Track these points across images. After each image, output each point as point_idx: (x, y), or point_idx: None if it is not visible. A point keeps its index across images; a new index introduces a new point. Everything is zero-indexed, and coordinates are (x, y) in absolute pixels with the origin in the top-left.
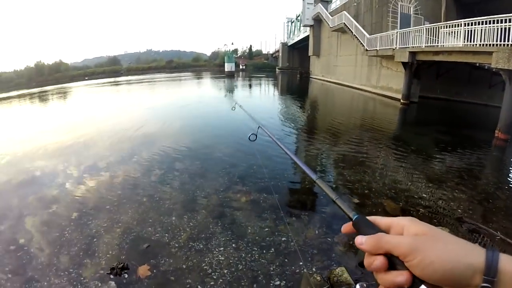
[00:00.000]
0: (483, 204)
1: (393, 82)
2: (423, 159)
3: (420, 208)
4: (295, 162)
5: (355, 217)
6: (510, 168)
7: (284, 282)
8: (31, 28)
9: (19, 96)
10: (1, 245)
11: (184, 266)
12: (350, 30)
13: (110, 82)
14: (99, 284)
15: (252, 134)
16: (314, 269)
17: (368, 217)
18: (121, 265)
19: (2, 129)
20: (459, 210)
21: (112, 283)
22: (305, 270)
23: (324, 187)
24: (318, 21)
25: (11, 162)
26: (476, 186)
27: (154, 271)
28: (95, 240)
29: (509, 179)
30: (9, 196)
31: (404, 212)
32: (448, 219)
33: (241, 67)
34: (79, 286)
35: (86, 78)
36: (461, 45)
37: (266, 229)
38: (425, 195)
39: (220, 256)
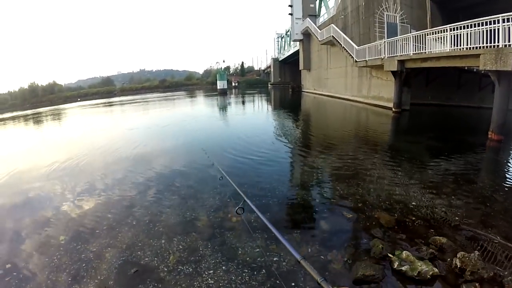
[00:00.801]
0: (480, 209)
1: (384, 91)
2: (417, 167)
3: (415, 219)
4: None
5: None
6: (505, 169)
7: None
8: (25, 49)
9: (13, 118)
10: None
11: None
12: (339, 42)
13: (103, 103)
14: None
15: (238, 208)
16: None
17: None
18: None
19: None
20: (456, 218)
21: None
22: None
23: (308, 268)
24: (307, 35)
25: (3, 183)
26: (473, 191)
27: None
28: (83, 265)
29: (505, 180)
30: (1, 218)
31: (399, 223)
32: (445, 228)
33: (233, 84)
34: None
35: (79, 99)
36: (448, 50)
37: (257, 250)
38: (420, 204)
39: (209, 279)
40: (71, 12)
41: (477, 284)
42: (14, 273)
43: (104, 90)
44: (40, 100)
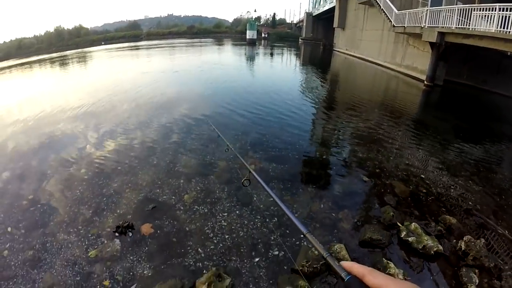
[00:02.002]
0: (495, 199)
1: (419, 62)
2: (440, 145)
3: (430, 194)
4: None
5: (347, 278)
6: None
7: (283, 253)
8: None
9: (39, 61)
10: (19, 200)
11: (187, 229)
12: (378, 3)
13: (129, 47)
14: (105, 241)
15: (244, 179)
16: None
17: (361, 269)
18: (126, 224)
19: (23, 93)
20: (470, 202)
21: (117, 241)
22: (304, 243)
23: (314, 242)
24: None
25: (31, 123)
26: (491, 180)
27: (158, 231)
28: (104, 199)
29: None
30: (29, 157)
31: (413, 196)
32: (457, 210)
33: (263, 35)
34: (86, 243)
35: (103, 43)
36: (493, 31)
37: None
38: (437, 182)
39: (222, 221)
40: None
41: (476, 271)
42: (38, 205)
43: (131, 34)
44: (66, 44)
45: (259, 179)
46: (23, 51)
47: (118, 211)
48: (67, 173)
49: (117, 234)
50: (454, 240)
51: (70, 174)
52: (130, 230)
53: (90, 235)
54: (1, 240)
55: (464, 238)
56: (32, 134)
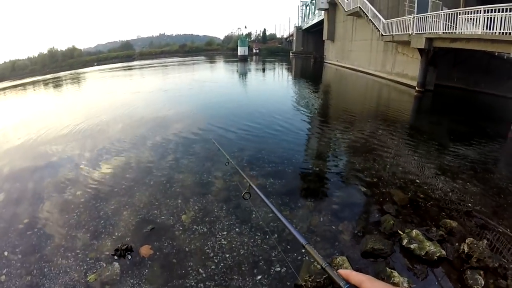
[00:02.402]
0: (494, 199)
1: (409, 69)
2: (435, 150)
3: (429, 200)
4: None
5: (345, 287)
6: None
7: (285, 268)
8: (44, 13)
9: (33, 83)
10: (15, 224)
11: (186, 249)
12: (365, 14)
13: (122, 67)
14: (104, 265)
15: (245, 193)
16: None
17: (359, 277)
18: (125, 246)
19: (17, 114)
20: (469, 204)
21: (116, 264)
22: (306, 258)
23: (313, 253)
24: (333, 5)
25: (26, 145)
26: (489, 180)
27: (157, 253)
28: (102, 222)
29: None
30: (24, 179)
31: (412, 202)
32: (457, 212)
33: (254, 51)
34: (84, 267)
35: (95, 64)
36: (479, 33)
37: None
38: (435, 186)
39: (222, 240)
40: None
41: (481, 272)
42: (35, 229)
43: (123, 54)
44: (59, 65)
45: (259, 192)
46: (17, 72)
47: (116, 233)
48: (63, 195)
49: (116, 257)
50: (457, 244)
51: (66, 196)
52: (129, 252)
53: (88, 259)
54: None
55: (466, 241)
56: (27, 156)
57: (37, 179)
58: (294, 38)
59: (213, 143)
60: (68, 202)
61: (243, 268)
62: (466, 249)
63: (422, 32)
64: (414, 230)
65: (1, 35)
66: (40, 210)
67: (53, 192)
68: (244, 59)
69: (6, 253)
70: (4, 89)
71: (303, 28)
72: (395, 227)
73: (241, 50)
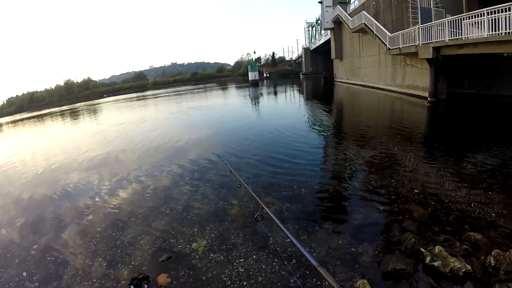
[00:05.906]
0: None
1: (419, 80)
2: (453, 160)
3: (450, 213)
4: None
5: None
6: None
7: None
8: (61, 47)
9: (50, 114)
10: (32, 251)
11: (203, 278)
12: (371, 30)
13: (137, 97)
14: None
15: (258, 215)
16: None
17: None
18: (141, 275)
19: (36, 144)
20: (493, 214)
21: None
22: (325, 283)
23: (325, 274)
24: (338, 24)
25: (45, 174)
26: (511, 186)
27: (174, 282)
28: (118, 251)
29: None
30: (43, 207)
31: (433, 217)
32: (481, 224)
33: (265, 75)
34: None
35: (104, 95)
36: (486, 36)
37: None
38: (456, 199)
39: (240, 267)
40: (103, 10)
41: (510, 285)
42: (52, 258)
43: (137, 84)
44: (76, 96)
45: (270, 213)
46: (35, 104)
47: (132, 262)
48: (80, 224)
49: (132, 286)
50: (482, 257)
51: (83, 225)
52: (145, 281)
53: None
54: None
55: (492, 253)
56: (45, 184)
57: (55, 207)
58: (303, 60)
59: (228, 169)
60: (85, 230)
61: None
62: (492, 262)
63: (429, 41)
64: (437, 246)
65: (20, 67)
66: (58, 238)
67: (71, 220)
68: (255, 84)
69: (23, 282)
70: (23, 119)
71: (311, 48)
72: (416, 244)
73: (252, 75)
